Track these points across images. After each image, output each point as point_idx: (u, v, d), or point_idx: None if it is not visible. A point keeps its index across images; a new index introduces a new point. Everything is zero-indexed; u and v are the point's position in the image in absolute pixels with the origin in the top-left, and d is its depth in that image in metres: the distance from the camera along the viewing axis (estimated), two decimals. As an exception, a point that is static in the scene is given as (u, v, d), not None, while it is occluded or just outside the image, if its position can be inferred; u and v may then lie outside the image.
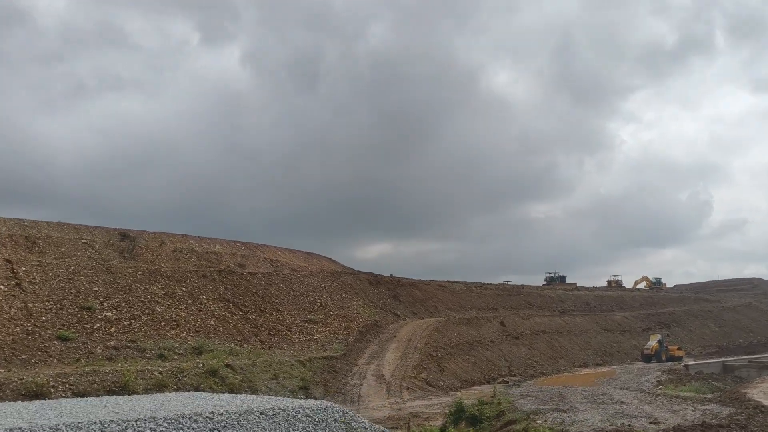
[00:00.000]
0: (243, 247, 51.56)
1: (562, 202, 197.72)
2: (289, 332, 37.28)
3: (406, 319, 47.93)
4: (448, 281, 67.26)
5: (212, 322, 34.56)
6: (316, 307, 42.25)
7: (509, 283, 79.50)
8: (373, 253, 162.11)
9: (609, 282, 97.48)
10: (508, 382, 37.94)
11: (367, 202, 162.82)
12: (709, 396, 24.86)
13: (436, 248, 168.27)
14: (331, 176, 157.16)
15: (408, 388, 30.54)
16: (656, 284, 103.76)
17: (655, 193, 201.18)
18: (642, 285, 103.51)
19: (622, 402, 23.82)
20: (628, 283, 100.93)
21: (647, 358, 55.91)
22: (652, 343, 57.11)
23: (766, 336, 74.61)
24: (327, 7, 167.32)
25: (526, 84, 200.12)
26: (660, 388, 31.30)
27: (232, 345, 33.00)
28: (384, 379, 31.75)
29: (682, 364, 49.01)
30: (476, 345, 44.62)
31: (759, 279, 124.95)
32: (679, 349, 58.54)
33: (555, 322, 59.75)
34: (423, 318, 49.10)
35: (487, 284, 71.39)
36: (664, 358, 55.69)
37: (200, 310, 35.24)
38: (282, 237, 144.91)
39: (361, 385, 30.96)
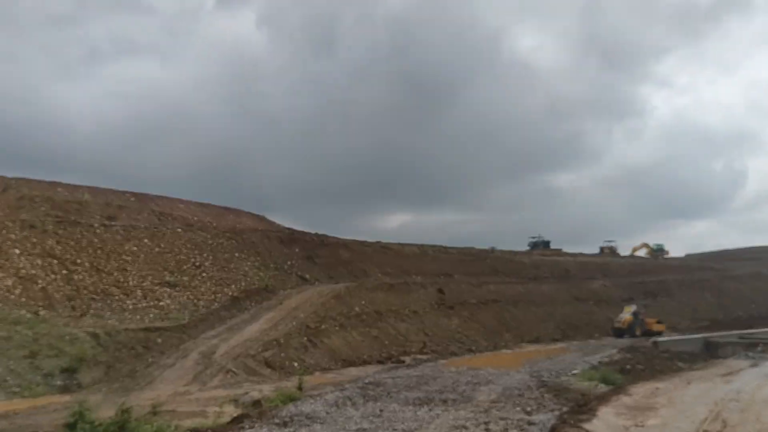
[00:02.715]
0: (131, 198, 43.83)
1: (589, 171, 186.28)
2: (125, 296, 29.40)
3: (315, 284, 39.84)
4: (399, 243, 58.97)
5: (9, 283, 26.75)
6: (184, 268, 34.29)
7: (494, 249, 70.75)
8: (393, 224, 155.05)
9: (602, 248, 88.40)
10: (404, 361, 29.79)
11: (388, 170, 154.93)
12: (596, 390, 16.49)
13: (459, 219, 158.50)
14: (350, 143, 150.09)
15: (229, 372, 22.53)
16: (657, 251, 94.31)
17: (687, 162, 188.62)
18: (641, 252, 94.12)
19: (472, 403, 15.60)
20: (627, 250, 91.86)
21: (618, 333, 47.41)
22: (625, 315, 48.49)
23: (770, 308, 65.41)
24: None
25: (552, 47, 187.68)
26: (574, 373, 22.97)
27: (24, 312, 25.18)
28: (210, 359, 23.77)
29: (651, 340, 40.39)
30: (389, 315, 36.39)
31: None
32: (658, 322, 49.83)
33: (513, 290, 51.25)
34: (339, 283, 40.96)
35: (449, 248, 62.92)
36: (638, 333, 47.13)
37: (-1, 268, 27.47)
38: (303, 206, 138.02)
39: (173, 365, 23.04)
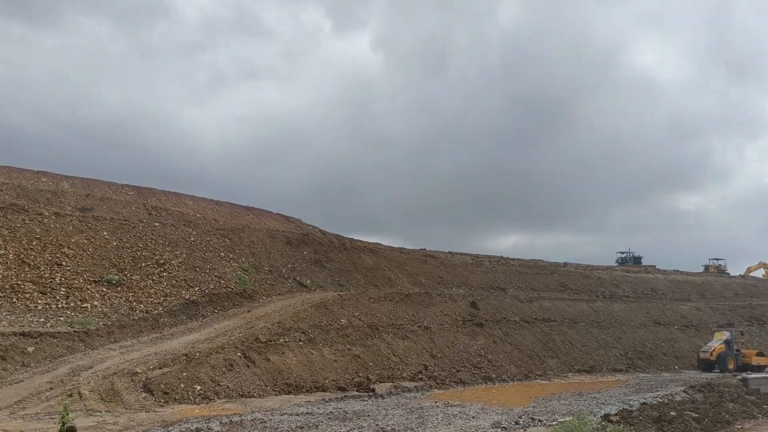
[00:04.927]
0: (130, 192, 39.55)
1: (718, 193, 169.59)
2: (40, 294, 24.32)
3: (315, 291, 33.51)
4: (450, 252, 51.67)
5: None
6: (142, 266, 29.04)
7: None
8: (506, 244, 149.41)
9: (706, 267, 76.20)
10: (373, 390, 22.74)
11: (501, 191, 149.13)
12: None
13: (575, 241, 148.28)
14: (462, 164, 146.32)
15: (73, 396, 16.56)
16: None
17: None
18: (758, 272, 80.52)
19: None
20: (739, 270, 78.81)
21: (706, 365, 37.76)
22: (715, 344, 38.59)
23: None
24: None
25: (676, 60, 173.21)
26: (557, 422, 15.14)
27: None
28: (74, 378, 18.00)
29: (739, 377, 30.80)
30: (387, 331, 29.37)
31: None
32: (760, 354, 39.36)
33: (574, 308, 42.49)
34: (348, 290, 34.41)
35: (511, 259, 54.82)
36: (731, 366, 37.31)
37: None
38: (414, 226, 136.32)
39: (18, 382, 17.43)
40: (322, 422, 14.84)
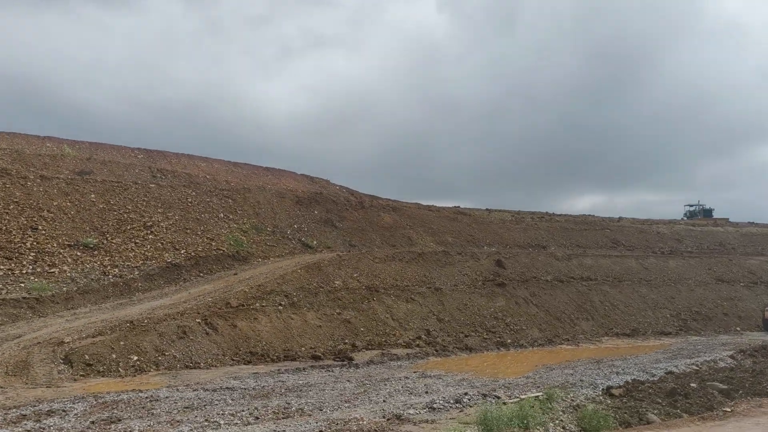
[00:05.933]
0: (139, 155, 38.07)
1: None
2: (5, 259, 22.79)
3: (320, 252, 30.97)
4: (487, 209, 48.10)
5: None
6: (126, 228, 27.23)
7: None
8: (584, 204, 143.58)
9: (788, 219, 69.07)
10: (352, 359, 20.08)
11: (577, 150, 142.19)
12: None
13: (658, 199, 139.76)
14: (534, 124, 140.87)
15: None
16: None
17: None
18: None
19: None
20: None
21: (771, 326, 33.19)
22: (783, 301, 33.84)
23: None
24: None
25: (766, 1, 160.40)
26: (522, 398, 11.96)
27: None
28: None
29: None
30: (389, 293, 26.53)
31: None
32: (837, 313, 34.27)
33: (620, 266, 38.28)
34: (360, 251, 31.70)
35: (557, 215, 50.68)
36: (800, 328, 32.59)
37: None
38: (488, 189, 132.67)
39: (-69, 354, 15.69)
40: (223, 400, 12.26)
